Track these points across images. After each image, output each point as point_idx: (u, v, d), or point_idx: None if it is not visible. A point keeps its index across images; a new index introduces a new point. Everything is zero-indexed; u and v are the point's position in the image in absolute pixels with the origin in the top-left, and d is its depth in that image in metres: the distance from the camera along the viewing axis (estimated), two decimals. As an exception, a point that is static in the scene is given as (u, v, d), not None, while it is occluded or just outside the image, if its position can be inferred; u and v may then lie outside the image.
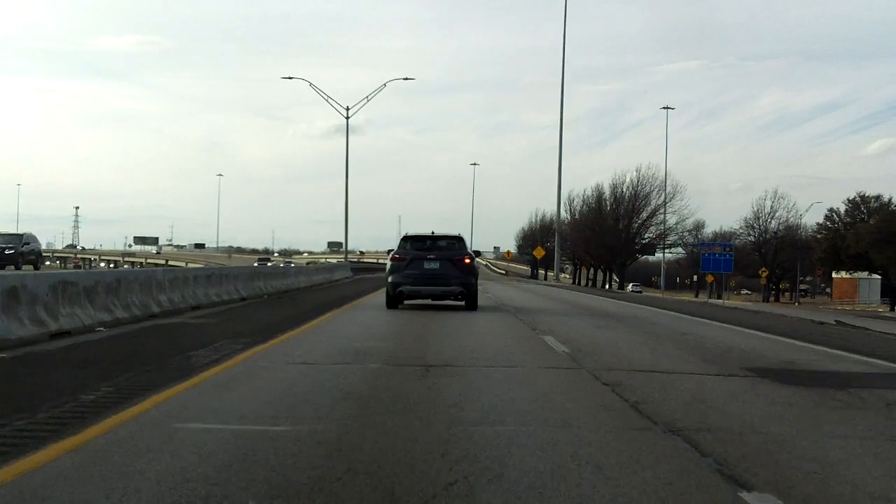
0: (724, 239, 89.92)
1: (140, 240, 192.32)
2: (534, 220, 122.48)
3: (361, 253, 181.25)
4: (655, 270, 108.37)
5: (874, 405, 8.00)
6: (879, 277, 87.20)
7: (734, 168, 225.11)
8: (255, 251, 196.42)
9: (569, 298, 34.16)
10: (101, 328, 13.56)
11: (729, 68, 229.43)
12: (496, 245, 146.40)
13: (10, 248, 38.11)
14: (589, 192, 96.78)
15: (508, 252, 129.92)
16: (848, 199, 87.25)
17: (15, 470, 4.88)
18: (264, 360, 10.08)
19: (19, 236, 41.11)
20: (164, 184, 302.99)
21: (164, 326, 14.68)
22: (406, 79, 54.97)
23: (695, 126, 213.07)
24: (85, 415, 6.51)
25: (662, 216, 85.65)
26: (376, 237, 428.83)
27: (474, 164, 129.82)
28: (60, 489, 4.54)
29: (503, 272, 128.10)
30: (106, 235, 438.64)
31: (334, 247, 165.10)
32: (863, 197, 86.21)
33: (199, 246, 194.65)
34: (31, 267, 37.63)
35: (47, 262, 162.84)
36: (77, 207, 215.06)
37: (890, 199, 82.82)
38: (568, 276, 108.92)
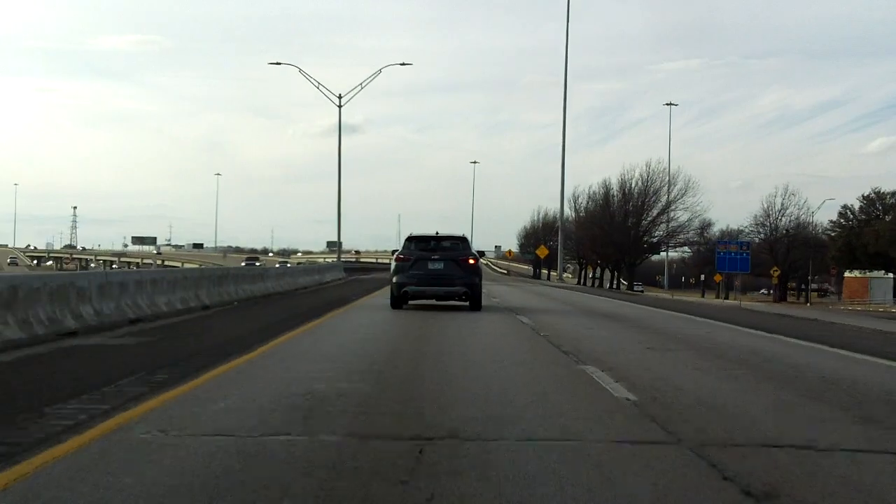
0: (730, 237, 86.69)
1: (138, 240, 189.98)
2: (536, 219, 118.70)
3: (357, 252, 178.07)
4: (658, 269, 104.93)
5: None
6: (892, 276, 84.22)
7: (734, 166, 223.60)
8: (253, 251, 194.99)
9: (587, 303, 30.33)
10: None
11: (730, 67, 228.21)
12: (497, 244, 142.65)
13: None
14: (595, 188, 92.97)
15: (510, 251, 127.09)
16: (863, 196, 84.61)
17: None
18: (155, 423, 6.24)
19: None
20: (164, 184, 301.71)
21: (65, 352, 10.82)
22: (403, 64, 51.34)
23: (695, 124, 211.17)
24: None
25: (672, 213, 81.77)
26: (376, 236, 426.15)
27: (474, 162, 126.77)
28: None
29: (505, 272, 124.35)
30: (105, 235, 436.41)
31: (333, 246, 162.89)
32: (878, 193, 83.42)
33: (198, 246, 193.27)
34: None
35: (48, 262, 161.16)
36: (75, 207, 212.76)
37: (908, 196, 79.89)
38: (570, 275, 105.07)
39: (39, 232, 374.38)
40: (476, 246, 29.13)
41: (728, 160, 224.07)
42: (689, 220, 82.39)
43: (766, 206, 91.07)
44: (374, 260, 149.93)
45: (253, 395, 7.63)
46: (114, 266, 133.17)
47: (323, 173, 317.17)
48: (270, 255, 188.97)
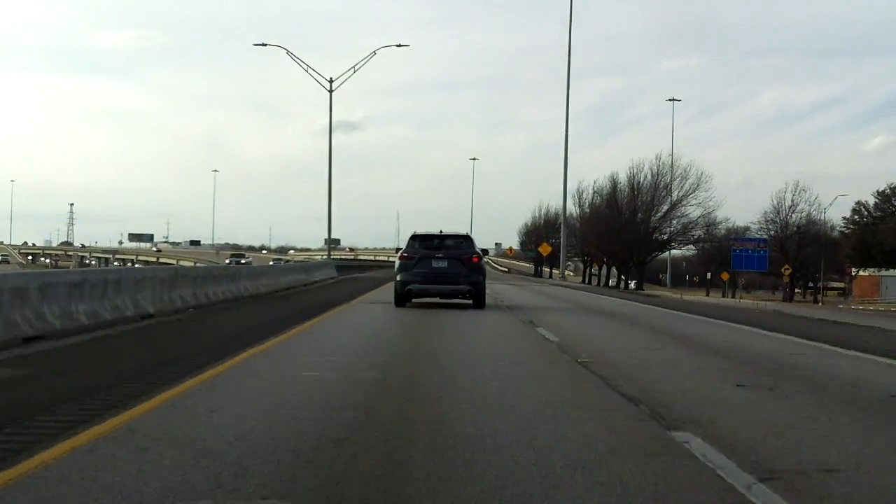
0: (736, 234, 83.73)
1: (135, 237, 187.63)
2: (537, 215, 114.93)
3: (351, 249, 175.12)
4: (660, 267, 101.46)
5: None
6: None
7: (734, 164, 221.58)
8: (251, 248, 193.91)
9: (612, 308, 26.81)
10: None
11: (730, 65, 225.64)
12: (497, 241, 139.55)
13: None
14: (601, 183, 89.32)
15: (511, 248, 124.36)
16: (878, 192, 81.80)
17: None
18: None
19: None
20: (163, 181, 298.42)
21: None
22: (399, 45, 47.71)
23: (695, 122, 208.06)
24: None
25: (684, 208, 78.12)
26: (375, 234, 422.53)
27: (474, 158, 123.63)
28: None
29: (506, 269, 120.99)
30: (104, 233, 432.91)
31: (331, 243, 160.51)
32: (893, 189, 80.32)
33: (195, 243, 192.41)
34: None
35: (42, 259, 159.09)
36: (72, 204, 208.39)
37: (927, 191, 77.30)
38: (571, 273, 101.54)
39: (40, 230, 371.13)
40: (475, 243, 27.57)
41: (728, 158, 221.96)
42: (702, 216, 78.76)
43: (775, 202, 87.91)
44: (371, 257, 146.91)
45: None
46: (114, 264, 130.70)
47: (323, 171, 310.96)
48: (264, 252, 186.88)
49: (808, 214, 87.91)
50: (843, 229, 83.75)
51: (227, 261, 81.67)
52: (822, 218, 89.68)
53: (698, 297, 72.21)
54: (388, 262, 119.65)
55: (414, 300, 21.57)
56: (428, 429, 6.24)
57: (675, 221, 79.07)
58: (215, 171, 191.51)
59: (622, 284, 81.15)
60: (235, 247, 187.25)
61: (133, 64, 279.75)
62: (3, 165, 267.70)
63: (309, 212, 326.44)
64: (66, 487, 4.61)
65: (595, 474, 5.02)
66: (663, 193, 78.29)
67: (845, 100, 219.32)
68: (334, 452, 5.46)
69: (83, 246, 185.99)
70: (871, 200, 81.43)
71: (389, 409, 7.12)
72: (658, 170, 78.99)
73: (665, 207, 78.54)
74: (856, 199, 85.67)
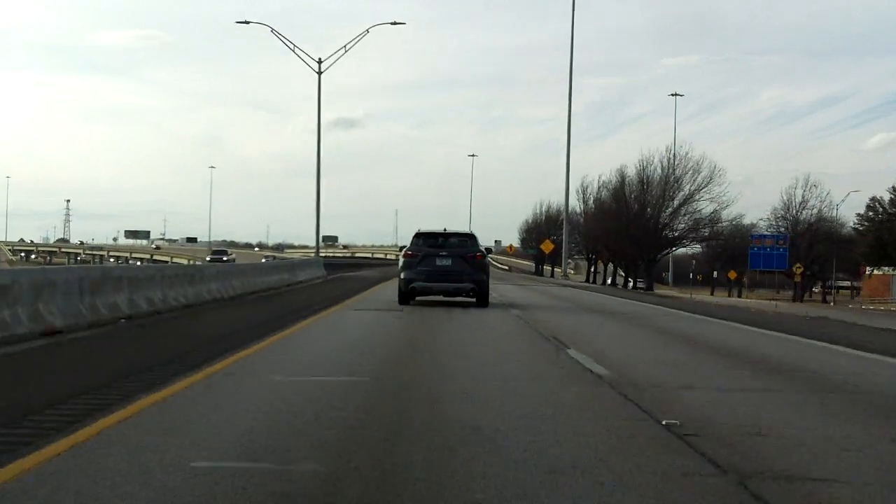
0: (743, 232, 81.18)
1: (132, 234, 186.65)
2: (539, 212, 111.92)
3: (345, 247, 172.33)
4: (663, 265, 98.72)
5: None
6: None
7: (734, 162, 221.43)
8: (248, 245, 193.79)
9: (636, 312, 23.44)
10: None
11: (730, 63, 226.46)
12: (497, 238, 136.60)
13: None
14: (607, 177, 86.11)
15: (511, 246, 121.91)
16: (893, 188, 78.72)
17: None
18: None
19: None
20: (162, 179, 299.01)
21: None
22: (394, 23, 44.36)
23: (695, 120, 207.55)
24: None
25: (696, 203, 75.02)
26: (373, 232, 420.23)
27: (472, 155, 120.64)
28: None
29: (506, 268, 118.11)
30: (103, 230, 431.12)
31: (329, 241, 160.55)
32: (909, 184, 77.51)
33: (192, 240, 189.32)
34: None
35: (33, 257, 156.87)
36: (68, 201, 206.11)
37: (945, 186, 74.81)
38: (572, 271, 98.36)
39: (38, 227, 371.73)
40: (479, 241, 26.91)
41: (728, 156, 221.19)
42: (715, 211, 75.56)
43: (785, 198, 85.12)
44: (368, 255, 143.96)
45: None
46: (109, 261, 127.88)
47: (323, 169, 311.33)
48: (256, 249, 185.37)
49: (819, 211, 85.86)
50: (858, 226, 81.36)
51: (208, 258, 78.37)
52: (835, 215, 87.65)
53: (704, 296, 69.63)
54: (385, 260, 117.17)
55: (417, 298, 21.58)
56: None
57: (686, 217, 75.93)
58: (212, 167, 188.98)
59: (633, 284, 78.08)
60: (233, 244, 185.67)
61: (132, 62, 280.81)
62: (3, 163, 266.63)
63: (308, 209, 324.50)
64: None
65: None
66: (674, 188, 75.09)
67: (845, 98, 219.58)
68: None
69: (81, 243, 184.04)
70: (887, 196, 78.98)
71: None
72: (669, 162, 75.88)
73: (676, 202, 75.34)
74: (870, 196, 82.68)
